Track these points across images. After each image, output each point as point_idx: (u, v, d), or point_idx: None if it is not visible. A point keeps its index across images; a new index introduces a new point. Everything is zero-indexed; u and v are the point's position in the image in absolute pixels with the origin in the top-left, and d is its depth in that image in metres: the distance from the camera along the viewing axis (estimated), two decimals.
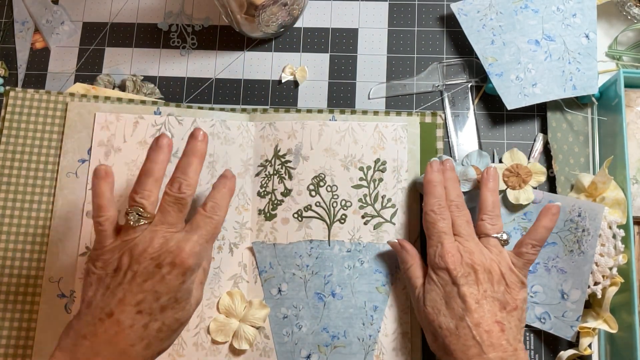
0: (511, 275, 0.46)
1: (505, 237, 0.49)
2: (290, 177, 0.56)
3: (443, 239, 0.47)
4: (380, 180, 0.56)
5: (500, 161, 0.56)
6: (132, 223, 0.44)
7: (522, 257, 0.47)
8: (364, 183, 0.56)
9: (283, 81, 0.61)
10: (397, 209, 0.55)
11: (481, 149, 0.57)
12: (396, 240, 0.52)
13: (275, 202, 0.56)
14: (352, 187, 0.56)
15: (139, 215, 0.44)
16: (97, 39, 0.63)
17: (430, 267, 0.48)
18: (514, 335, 0.44)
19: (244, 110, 0.59)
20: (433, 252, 0.47)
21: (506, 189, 0.54)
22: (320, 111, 0.58)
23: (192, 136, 0.48)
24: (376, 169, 0.56)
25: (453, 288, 0.45)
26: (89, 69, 0.62)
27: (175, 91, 0.61)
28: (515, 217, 0.55)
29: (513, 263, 0.47)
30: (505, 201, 0.55)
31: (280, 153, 0.57)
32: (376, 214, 0.55)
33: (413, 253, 0.51)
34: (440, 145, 0.57)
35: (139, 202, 0.45)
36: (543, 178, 0.54)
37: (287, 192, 0.56)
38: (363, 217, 0.55)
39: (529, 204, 0.54)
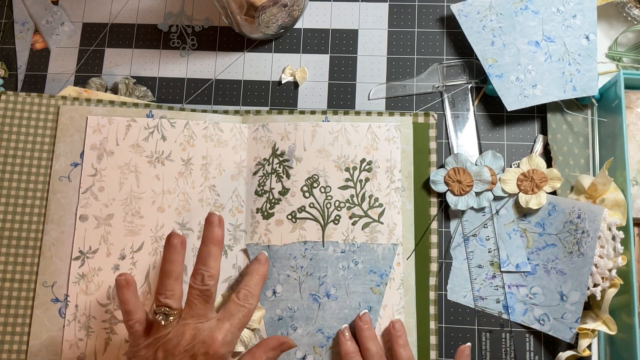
0: None
1: None
2: (288, 176, 0.56)
3: None
4: (367, 180, 0.56)
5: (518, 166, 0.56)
6: (162, 323, 0.46)
7: None
8: (351, 184, 0.56)
9: (283, 82, 0.61)
10: (384, 208, 0.55)
11: (481, 151, 0.57)
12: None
13: (273, 201, 0.56)
14: (338, 188, 0.56)
15: (166, 314, 0.46)
16: (97, 40, 0.63)
17: None
18: None
19: (236, 112, 0.59)
20: None
21: (519, 192, 0.54)
22: (313, 112, 0.58)
23: (208, 222, 0.49)
24: (362, 169, 0.56)
25: None
26: (88, 69, 0.62)
27: (175, 92, 0.61)
28: (515, 219, 0.55)
29: None
30: (515, 203, 0.55)
31: (278, 152, 0.57)
32: (364, 214, 0.55)
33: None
34: (433, 145, 0.57)
35: (164, 303, 0.46)
36: (558, 184, 0.54)
37: (284, 192, 0.56)
38: (351, 217, 0.55)
39: (539, 209, 0.54)
